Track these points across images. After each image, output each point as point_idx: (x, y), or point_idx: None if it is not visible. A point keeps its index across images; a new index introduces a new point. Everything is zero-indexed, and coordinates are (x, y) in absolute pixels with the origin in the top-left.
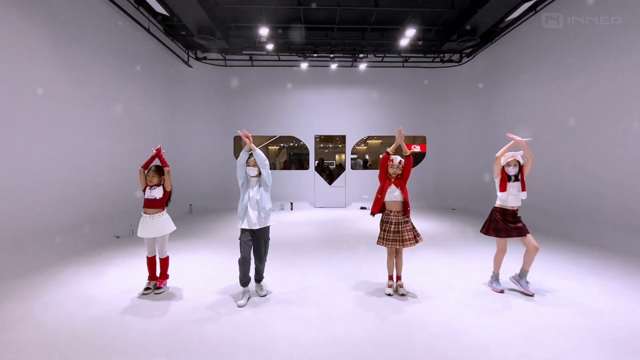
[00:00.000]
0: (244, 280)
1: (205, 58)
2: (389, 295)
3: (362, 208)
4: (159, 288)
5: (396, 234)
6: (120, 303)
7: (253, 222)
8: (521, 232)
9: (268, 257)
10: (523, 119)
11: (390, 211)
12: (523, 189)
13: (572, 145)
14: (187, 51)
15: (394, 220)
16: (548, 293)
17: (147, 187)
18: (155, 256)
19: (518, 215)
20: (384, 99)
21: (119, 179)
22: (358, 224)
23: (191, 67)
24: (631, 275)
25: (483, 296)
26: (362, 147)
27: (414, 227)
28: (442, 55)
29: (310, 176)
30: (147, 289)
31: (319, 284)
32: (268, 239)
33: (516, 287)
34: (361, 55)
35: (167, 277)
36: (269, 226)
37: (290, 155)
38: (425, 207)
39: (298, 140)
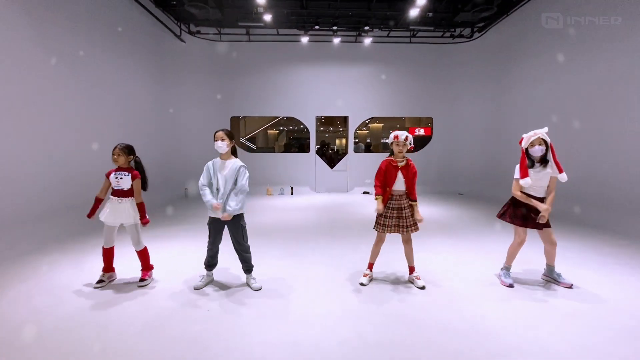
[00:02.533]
0: (208, 264)
1: (198, 32)
2: (362, 284)
3: (364, 193)
4: (142, 280)
5: (399, 219)
6: (96, 298)
7: (219, 211)
8: (538, 224)
9: (266, 245)
10: (539, 100)
11: (392, 195)
12: (560, 171)
13: (595, 129)
14: (179, 24)
15: (395, 206)
16: (579, 288)
17: (112, 173)
18: (113, 247)
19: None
20: (389, 78)
21: (107, 162)
22: (361, 209)
23: (184, 41)
24: None
25: (499, 288)
26: (364, 131)
27: (413, 214)
28: (452, 30)
29: (311, 160)
30: (100, 281)
31: (320, 275)
32: (243, 224)
33: (553, 283)
34: (366, 28)
35: (151, 267)
36: (241, 214)
37: (290, 140)
38: (431, 192)
39: (298, 123)
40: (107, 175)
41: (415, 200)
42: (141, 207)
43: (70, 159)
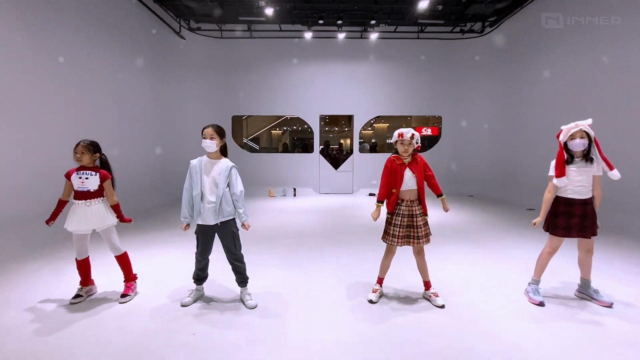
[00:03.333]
0: (197, 278)
1: (199, 29)
2: (371, 302)
3: (370, 194)
4: (124, 296)
5: (410, 228)
6: (71, 317)
7: (208, 217)
8: (584, 232)
9: (264, 253)
10: (555, 98)
11: (402, 200)
12: (611, 168)
13: (616, 129)
14: (178, 20)
15: (405, 212)
16: (618, 305)
17: (74, 172)
18: (87, 258)
19: (591, 208)
20: (395, 75)
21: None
22: (367, 212)
23: (184, 38)
24: None
25: (530, 307)
26: (368, 131)
27: (427, 222)
28: (462, 24)
29: (315, 160)
30: (77, 296)
31: (323, 289)
32: (235, 230)
33: (589, 301)
34: (372, 22)
35: (134, 278)
36: (233, 219)
37: (293, 140)
38: None
39: (302, 123)
40: (68, 176)
41: (442, 194)
42: (117, 209)
43: (62, 160)
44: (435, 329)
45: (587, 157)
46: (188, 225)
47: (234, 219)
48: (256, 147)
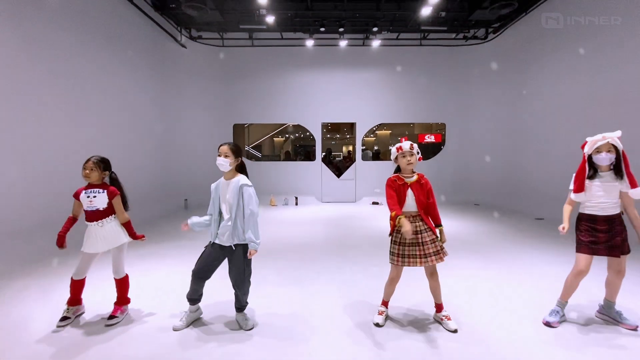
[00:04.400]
0: (191, 299)
1: (200, 37)
2: (378, 325)
3: (374, 203)
4: (111, 317)
5: (415, 247)
6: (55, 343)
7: (224, 238)
8: (613, 250)
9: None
10: (561, 103)
11: (405, 217)
12: (633, 185)
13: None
14: (179, 29)
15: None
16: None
17: (83, 191)
18: (84, 279)
19: (620, 224)
20: (398, 82)
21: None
22: (371, 223)
23: (185, 47)
24: None
25: (549, 331)
26: (371, 138)
27: (436, 238)
28: (466, 30)
29: (317, 168)
30: (65, 318)
31: (326, 310)
32: (246, 256)
33: (612, 323)
34: (375, 29)
35: (127, 302)
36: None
37: (295, 147)
38: (445, 202)
39: (304, 131)
40: (77, 196)
41: (440, 225)
42: (128, 226)
43: (63, 171)
44: (447, 356)
45: (616, 172)
46: (187, 225)
47: (247, 245)
48: (258, 154)
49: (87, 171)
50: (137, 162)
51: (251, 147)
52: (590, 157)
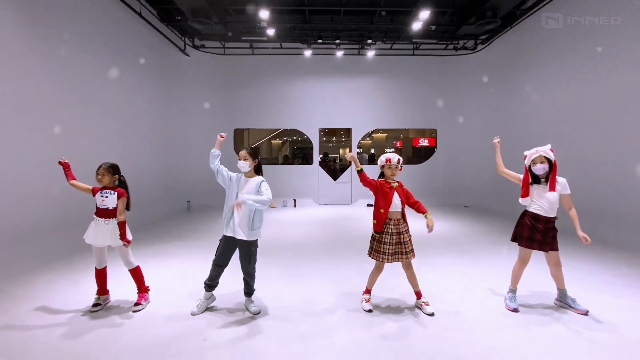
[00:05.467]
0: (209, 284)
1: (203, 46)
2: (367, 310)
3: (368, 205)
4: (137, 305)
5: (398, 245)
6: (90, 324)
7: (237, 230)
8: (543, 246)
9: (266, 264)
10: (545, 111)
11: (390, 219)
12: (551, 189)
13: (603, 139)
14: (183, 38)
15: (394, 230)
16: (596, 314)
17: (98, 192)
18: (105, 268)
19: (553, 226)
20: (392, 90)
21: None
22: (365, 223)
23: (188, 55)
24: None
25: (513, 315)
26: (367, 141)
27: (411, 239)
28: (456, 42)
29: (314, 171)
30: (96, 304)
31: (322, 299)
32: (256, 247)
33: (566, 309)
34: (369, 41)
35: (146, 290)
36: (255, 240)
37: (294, 150)
38: (436, 204)
39: (302, 134)
40: (94, 192)
41: (427, 212)
42: (122, 226)
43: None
44: (425, 336)
45: (547, 180)
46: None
47: (256, 240)
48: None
49: (100, 176)
50: (142, 166)
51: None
52: (530, 167)
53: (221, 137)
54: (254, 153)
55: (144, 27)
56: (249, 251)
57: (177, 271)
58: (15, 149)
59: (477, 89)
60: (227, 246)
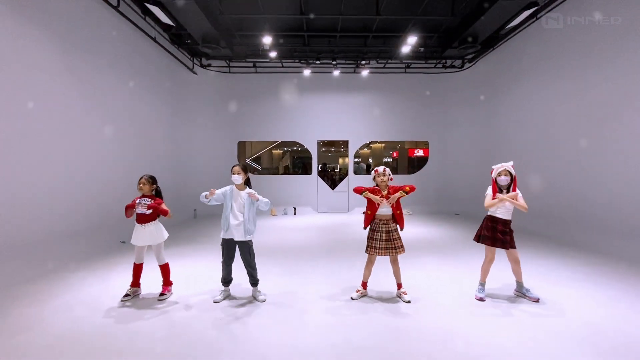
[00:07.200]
0: (225, 280)
1: (210, 65)
2: (352, 299)
3: (364, 213)
4: (162, 294)
5: (388, 242)
6: (125, 309)
7: (234, 233)
8: (505, 244)
9: (269, 264)
10: (526, 123)
11: (380, 220)
12: (511, 199)
13: (575, 149)
14: (192, 58)
15: (384, 229)
16: (547, 301)
17: (138, 199)
18: (142, 264)
19: (509, 228)
20: (386, 105)
21: (124, 185)
22: (360, 230)
23: (196, 73)
24: (630, 283)
25: (475, 302)
26: (366, 151)
27: (400, 236)
28: (444, 61)
29: (313, 181)
30: (126, 295)
31: (318, 290)
32: (250, 244)
33: (522, 297)
34: (363, 62)
35: (170, 283)
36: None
37: (294, 160)
38: (428, 212)
39: (302, 144)
40: (133, 204)
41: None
42: (166, 212)
43: (93, 182)
44: (402, 317)
45: (508, 190)
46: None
47: (250, 240)
48: (258, 167)
49: (141, 185)
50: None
51: (251, 159)
52: (496, 179)
53: (211, 194)
54: (245, 169)
55: (158, 51)
56: (246, 246)
57: (191, 268)
58: (47, 162)
59: (466, 103)
60: (228, 246)
